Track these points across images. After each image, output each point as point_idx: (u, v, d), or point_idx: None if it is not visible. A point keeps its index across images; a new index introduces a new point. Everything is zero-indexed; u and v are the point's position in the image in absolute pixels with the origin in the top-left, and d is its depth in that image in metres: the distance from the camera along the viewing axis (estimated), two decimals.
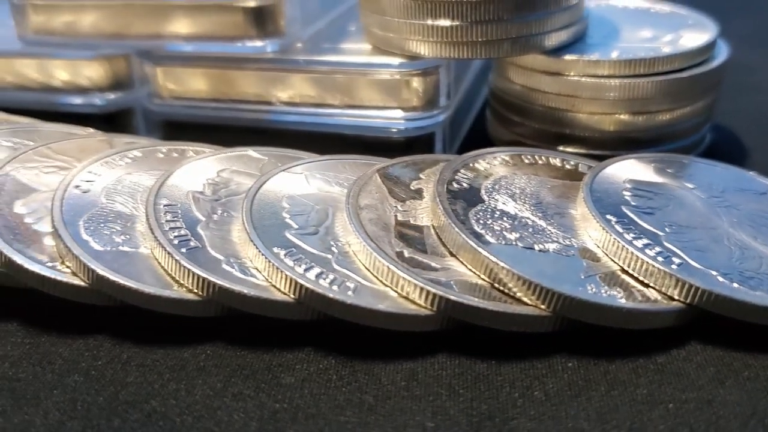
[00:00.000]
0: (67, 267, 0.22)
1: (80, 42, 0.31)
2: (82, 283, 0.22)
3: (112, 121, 0.32)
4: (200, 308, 0.21)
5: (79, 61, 0.31)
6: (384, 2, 0.27)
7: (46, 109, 0.32)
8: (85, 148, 0.27)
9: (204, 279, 0.21)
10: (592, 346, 0.21)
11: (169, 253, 0.21)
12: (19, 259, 0.22)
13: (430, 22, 0.26)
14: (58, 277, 0.22)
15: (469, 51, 0.27)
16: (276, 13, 0.29)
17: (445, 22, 0.26)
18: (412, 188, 0.24)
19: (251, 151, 0.27)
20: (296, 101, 0.30)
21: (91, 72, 0.31)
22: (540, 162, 0.26)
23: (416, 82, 0.28)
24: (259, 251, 0.21)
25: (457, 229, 0.21)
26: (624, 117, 0.28)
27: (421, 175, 0.25)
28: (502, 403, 0.19)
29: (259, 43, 0.29)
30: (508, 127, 0.30)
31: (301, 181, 0.25)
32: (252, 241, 0.22)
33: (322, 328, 0.21)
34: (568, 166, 0.26)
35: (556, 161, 0.26)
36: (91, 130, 0.29)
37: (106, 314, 0.22)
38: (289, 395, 0.20)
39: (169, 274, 0.22)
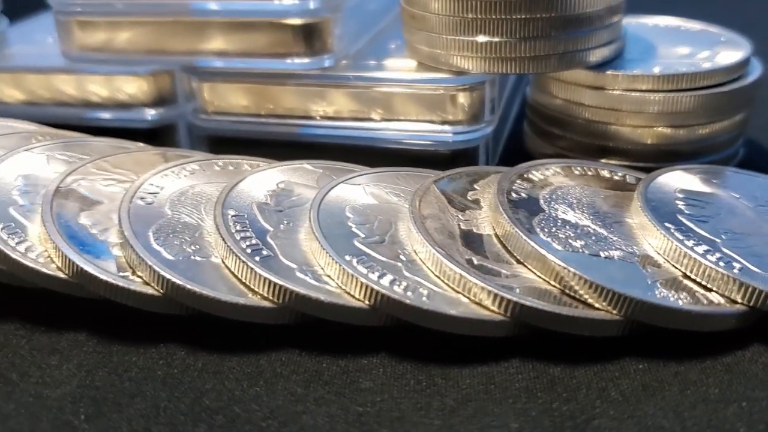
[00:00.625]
0: (138, 277, 0.22)
1: (126, 58, 0.31)
2: (155, 292, 0.22)
3: (155, 137, 0.32)
4: (274, 315, 0.22)
5: (125, 76, 0.31)
6: (431, 19, 0.28)
7: (88, 124, 0.32)
8: (140, 162, 0.27)
9: (281, 287, 0.21)
10: (659, 348, 0.21)
11: (243, 262, 0.22)
12: (91, 269, 0.22)
13: (479, 38, 0.27)
14: (131, 287, 0.22)
15: (517, 66, 0.28)
16: (324, 31, 0.29)
17: (493, 38, 0.27)
18: (469, 198, 0.25)
19: (306, 164, 0.27)
20: (340, 116, 0.31)
21: (137, 88, 0.31)
22: (589, 173, 0.26)
23: (462, 97, 0.29)
24: (333, 259, 0.22)
25: (525, 238, 0.22)
26: (665, 130, 0.28)
27: (475, 186, 0.26)
28: (581, 404, 0.20)
29: (308, 60, 0.29)
30: (549, 140, 0.31)
31: (360, 192, 0.25)
32: (324, 249, 0.22)
33: (393, 333, 0.22)
34: (616, 177, 0.26)
35: (605, 172, 0.27)
36: (142, 144, 0.29)
37: (173, 323, 0.23)
38: (371, 399, 0.20)
39: (243, 283, 0.22)
